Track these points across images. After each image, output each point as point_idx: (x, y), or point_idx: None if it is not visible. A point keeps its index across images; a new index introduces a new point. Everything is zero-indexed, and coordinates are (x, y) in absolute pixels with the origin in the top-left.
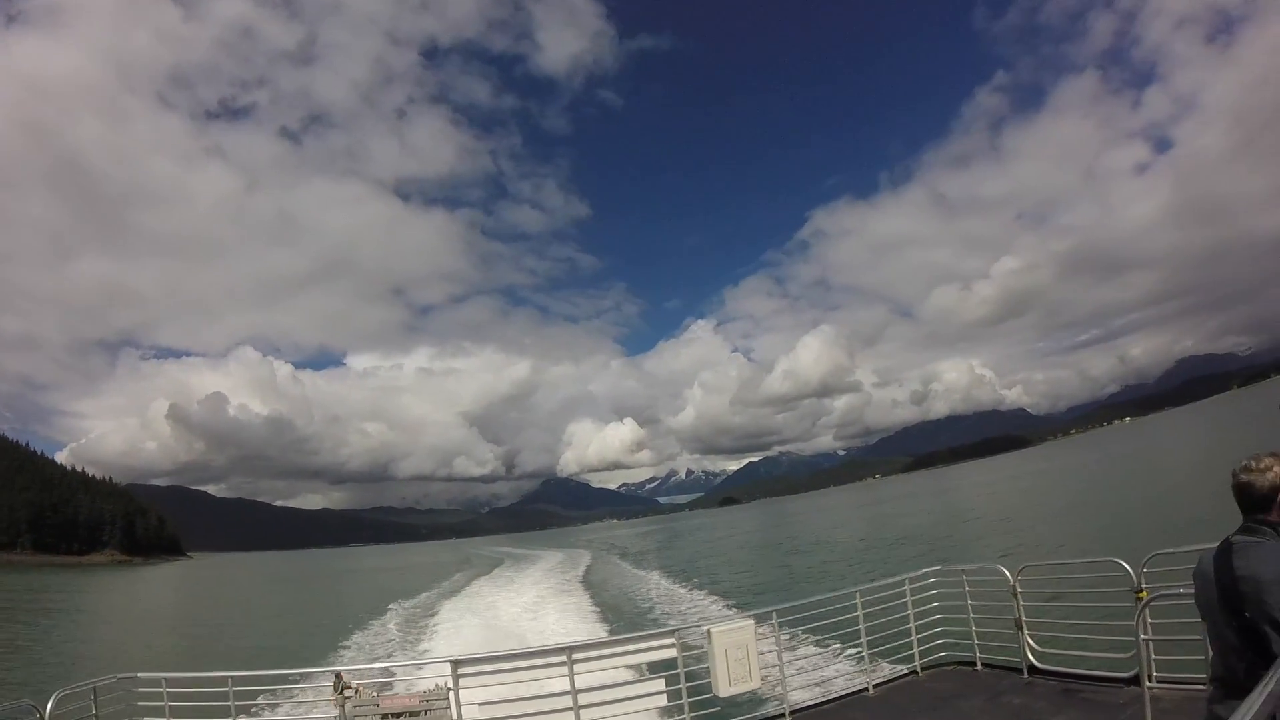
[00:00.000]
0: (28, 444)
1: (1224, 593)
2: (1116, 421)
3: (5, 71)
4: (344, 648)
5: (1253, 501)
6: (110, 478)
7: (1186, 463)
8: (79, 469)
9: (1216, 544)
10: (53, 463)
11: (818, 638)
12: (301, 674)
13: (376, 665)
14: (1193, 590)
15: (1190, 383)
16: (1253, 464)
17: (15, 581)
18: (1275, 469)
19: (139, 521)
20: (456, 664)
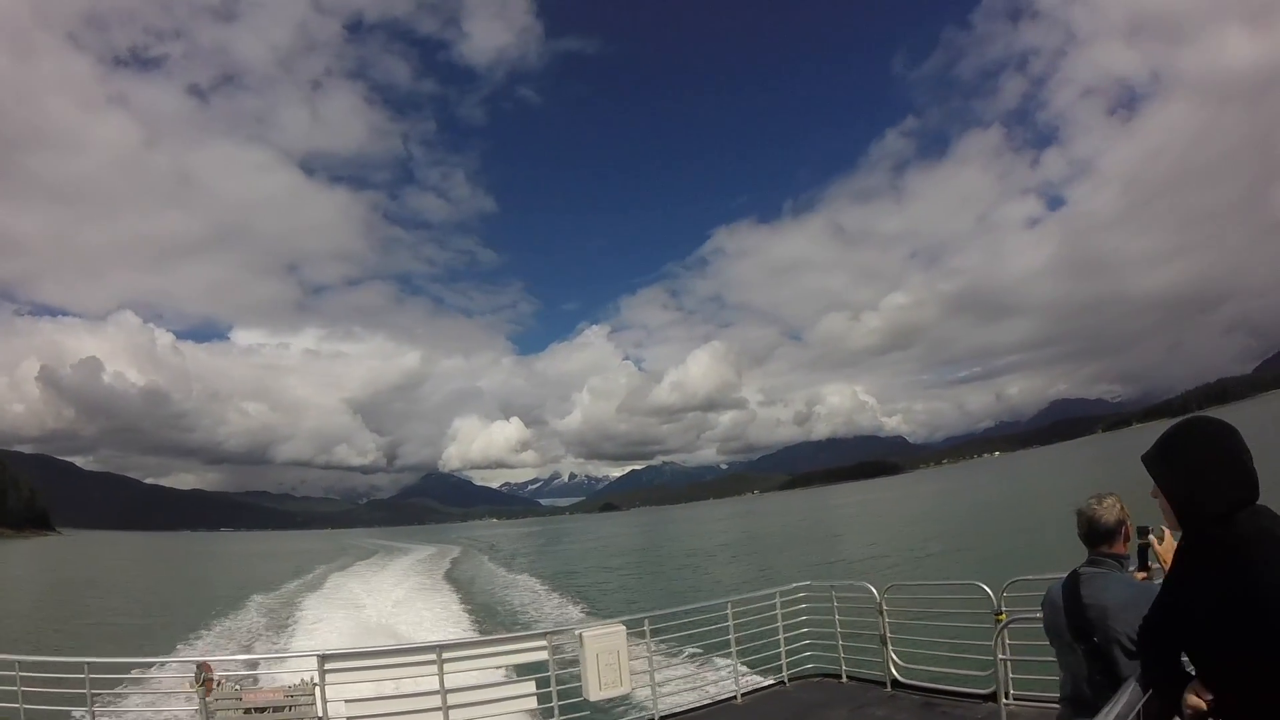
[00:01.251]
0: None
1: (1073, 619)
2: (987, 454)
3: None
4: (208, 637)
5: (1098, 535)
6: None
7: (1046, 497)
8: None
9: (1066, 574)
10: None
11: (689, 646)
12: (162, 662)
13: (240, 657)
14: (1042, 612)
15: (1061, 423)
16: (1098, 501)
17: None
18: (1118, 507)
19: (11, 493)
20: (324, 659)
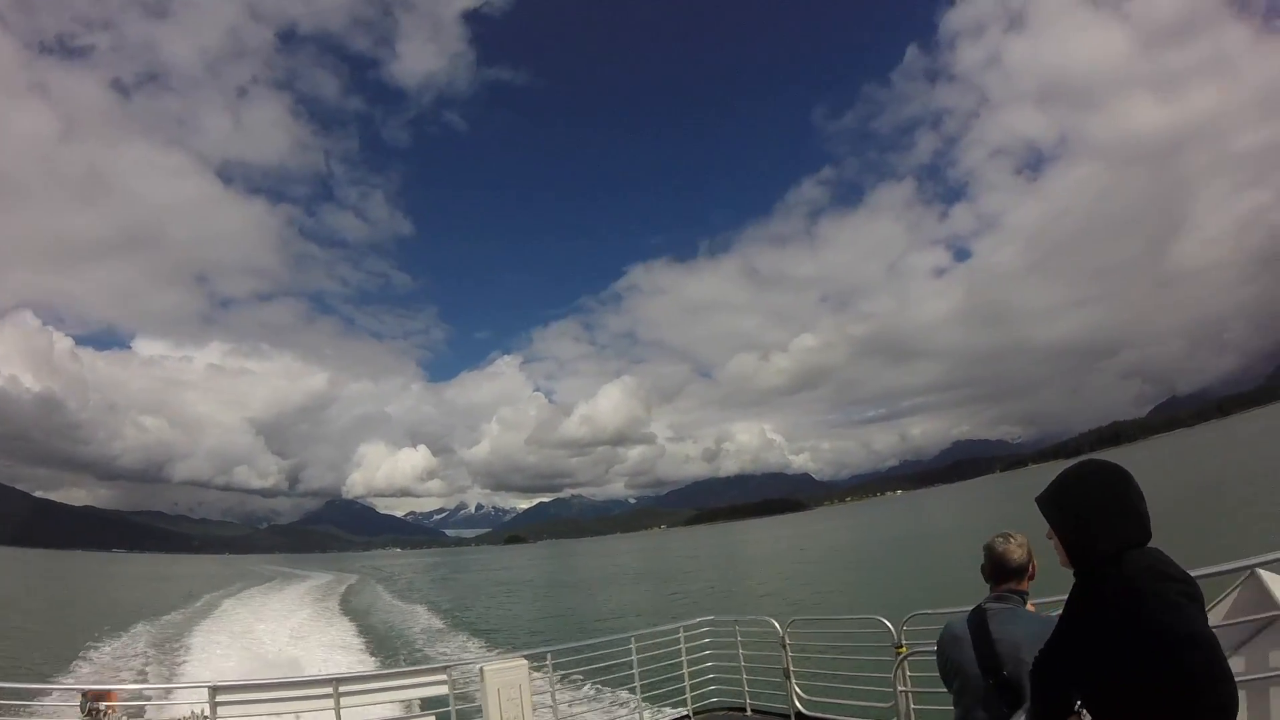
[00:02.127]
0: None
1: (982, 654)
2: (890, 492)
3: None
4: (96, 664)
5: (1007, 572)
6: None
7: (943, 535)
8: None
9: (967, 608)
10: None
11: (592, 680)
12: (48, 689)
13: (129, 686)
14: (939, 646)
15: (963, 463)
16: (1009, 539)
17: None
18: (1026, 545)
19: None
20: (215, 690)
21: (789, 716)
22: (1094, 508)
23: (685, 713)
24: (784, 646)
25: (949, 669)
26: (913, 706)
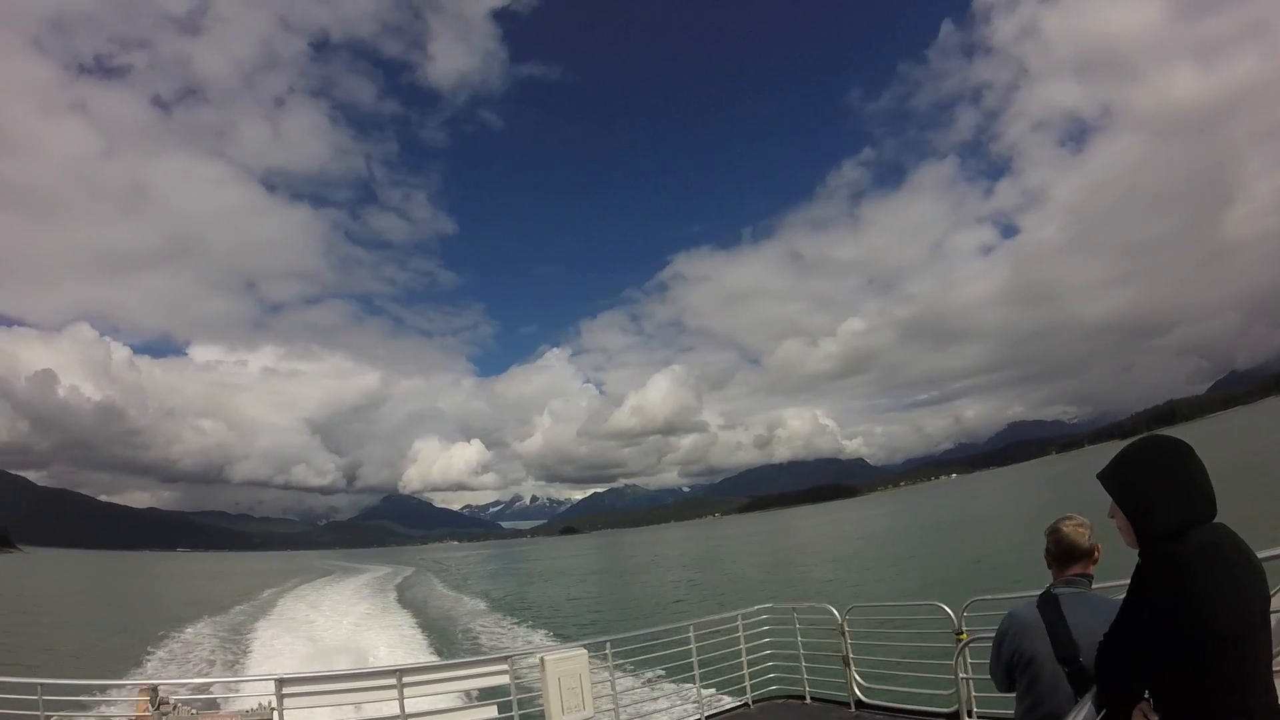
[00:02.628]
0: None
1: (1058, 641)
2: (944, 476)
3: None
4: (164, 659)
5: (1075, 555)
6: None
7: (1000, 518)
8: None
9: (1029, 594)
10: None
11: (651, 669)
12: (118, 685)
13: (197, 680)
14: (1004, 636)
15: (1017, 445)
16: (1074, 522)
17: None
18: (1090, 527)
19: None
20: (282, 682)
21: (849, 704)
22: (1156, 483)
23: (744, 701)
24: (843, 634)
25: (1018, 659)
26: (974, 694)
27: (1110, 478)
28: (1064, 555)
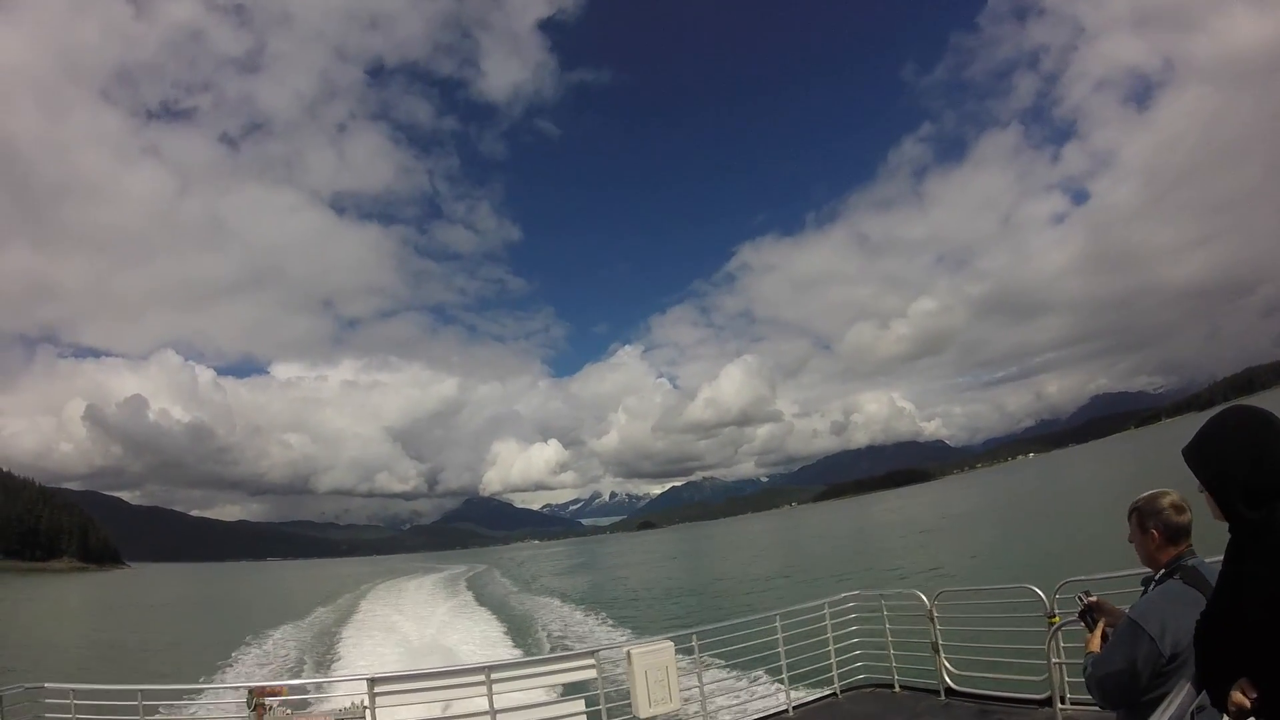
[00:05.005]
0: None
1: None
2: (1020, 457)
3: None
4: (258, 662)
5: (1185, 531)
6: (37, 481)
7: (1080, 497)
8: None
9: (1126, 573)
10: (11, 475)
11: (738, 660)
12: (214, 688)
13: (291, 681)
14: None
15: (1102, 419)
16: (1176, 498)
17: None
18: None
19: (91, 532)
20: (373, 682)
21: (939, 692)
22: (1232, 455)
23: (833, 690)
24: (931, 620)
25: (1181, 639)
26: (1067, 679)
27: (1192, 453)
28: (1175, 532)
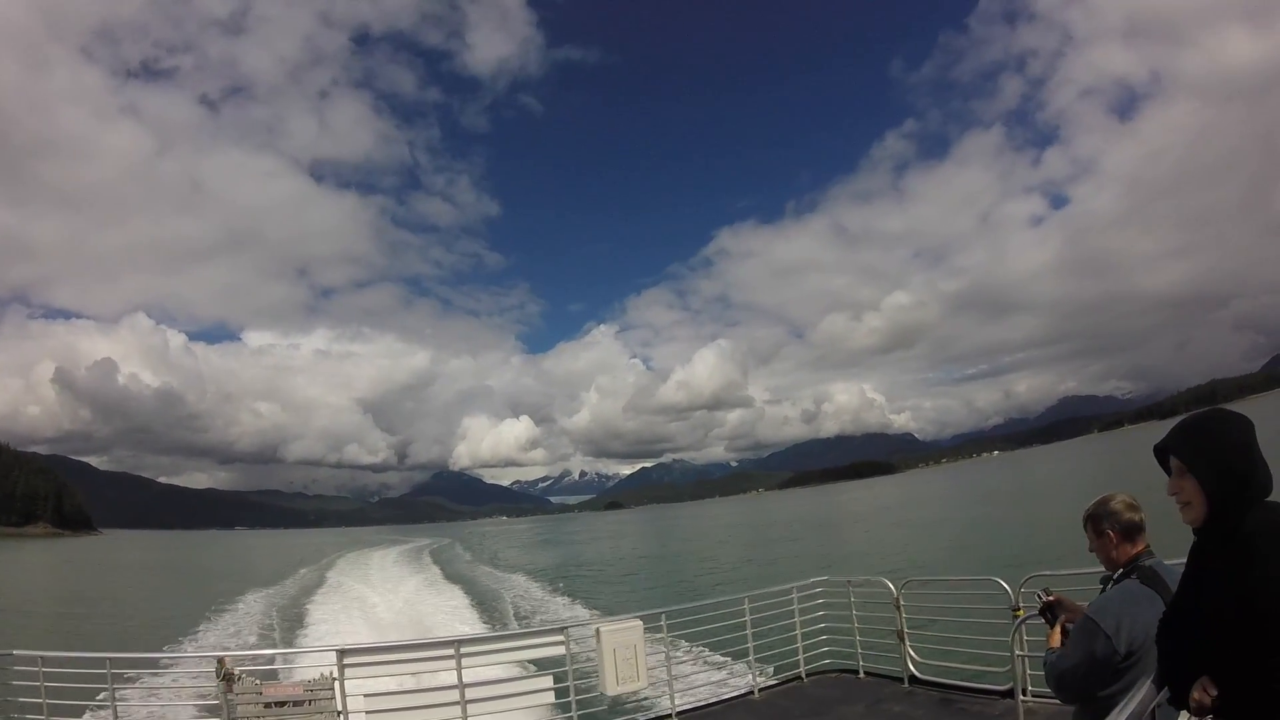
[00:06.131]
0: None
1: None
2: (986, 454)
3: None
4: (227, 632)
5: (1140, 530)
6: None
7: (1043, 495)
8: None
9: (1088, 570)
10: None
11: (705, 641)
12: (183, 657)
13: (260, 652)
14: (1120, 619)
15: (1067, 421)
16: (1127, 497)
17: None
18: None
19: (65, 498)
20: (342, 653)
21: (902, 680)
22: (1235, 452)
23: (798, 674)
24: (898, 608)
25: (1136, 637)
26: (1029, 671)
27: (1183, 446)
28: (1130, 530)
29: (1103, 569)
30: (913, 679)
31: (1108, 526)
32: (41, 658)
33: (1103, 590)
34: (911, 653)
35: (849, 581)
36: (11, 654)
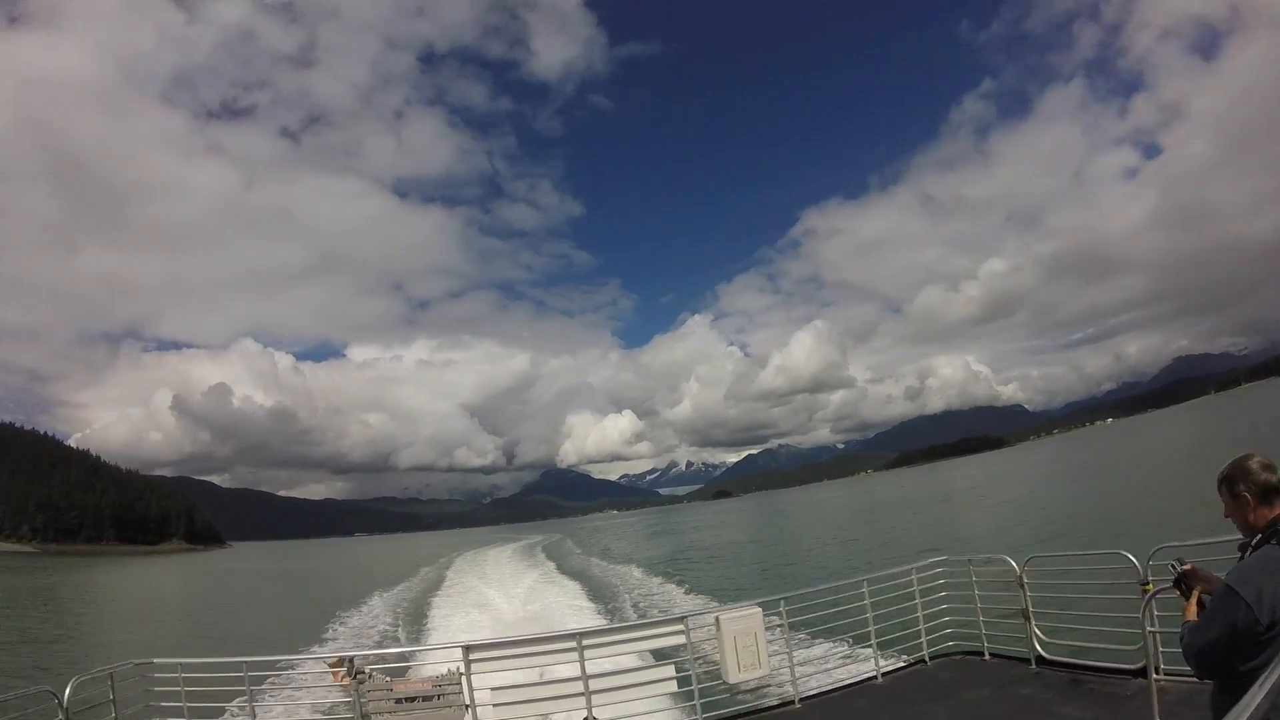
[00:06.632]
0: (97, 456)
1: None
2: (1098, 422)
3: (7, 70)
4: (355, 632)
5: (1277, 491)
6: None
7: (1168, 462)
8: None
9: (1223, 539)
10: (117, 467)
11: (825, 626)
12: (315, 658)
13: (389, 650)
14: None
15: (1184, 382)
16: (1263, 459)
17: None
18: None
19: (195, 515)
20: (468, 649)
21: (1029, 661)
22: None
23: (922, 658)
24: (1022, 586)
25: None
26: (1161, 649)
27: None
28: (1267, 491)
29: (1238, 536)
30: (1040, 660)
31: (1244, 488)
32: (181, 664)
33: (1240, 558)
34: (1038, 632)
35: (969, 561)
36: (152, 662)
